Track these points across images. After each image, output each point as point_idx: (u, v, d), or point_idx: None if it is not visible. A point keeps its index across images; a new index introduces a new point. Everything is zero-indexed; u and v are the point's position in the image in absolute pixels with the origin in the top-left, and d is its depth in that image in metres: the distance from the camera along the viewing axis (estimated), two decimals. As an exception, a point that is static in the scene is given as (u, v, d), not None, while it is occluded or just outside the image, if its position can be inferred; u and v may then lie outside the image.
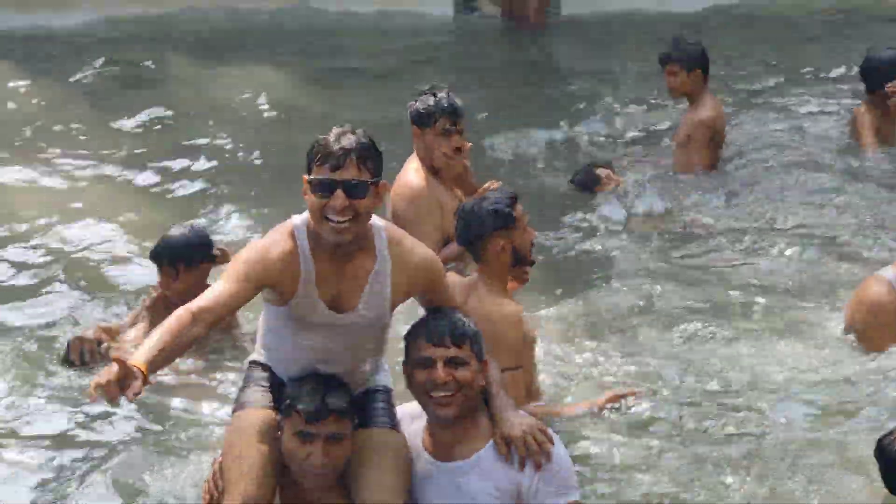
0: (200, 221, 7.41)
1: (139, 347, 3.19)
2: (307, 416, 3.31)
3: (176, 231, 5.61)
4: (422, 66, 10.27)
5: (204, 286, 4.18)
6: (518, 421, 3.49)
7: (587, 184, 8.00)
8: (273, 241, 3.39)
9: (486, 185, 5.43)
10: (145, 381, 2.95)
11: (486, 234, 4.56)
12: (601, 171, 7.99)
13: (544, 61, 11.88)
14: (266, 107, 10.22)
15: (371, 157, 3.31)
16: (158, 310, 5.22)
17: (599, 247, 7.30)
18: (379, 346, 3.61)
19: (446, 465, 3.50)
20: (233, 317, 5.11)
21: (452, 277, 4.33)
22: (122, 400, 2.93)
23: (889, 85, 7.91)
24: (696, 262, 7.08)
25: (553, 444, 3.45)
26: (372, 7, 12.50)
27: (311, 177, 3.27)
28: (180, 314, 3.15)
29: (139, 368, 2.93)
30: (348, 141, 3.27)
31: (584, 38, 12.15)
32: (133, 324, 5.69)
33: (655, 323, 6.17)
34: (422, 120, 5.64)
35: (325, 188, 3.22)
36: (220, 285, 3.32)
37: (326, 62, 11.18)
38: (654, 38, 10.74)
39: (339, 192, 3.20)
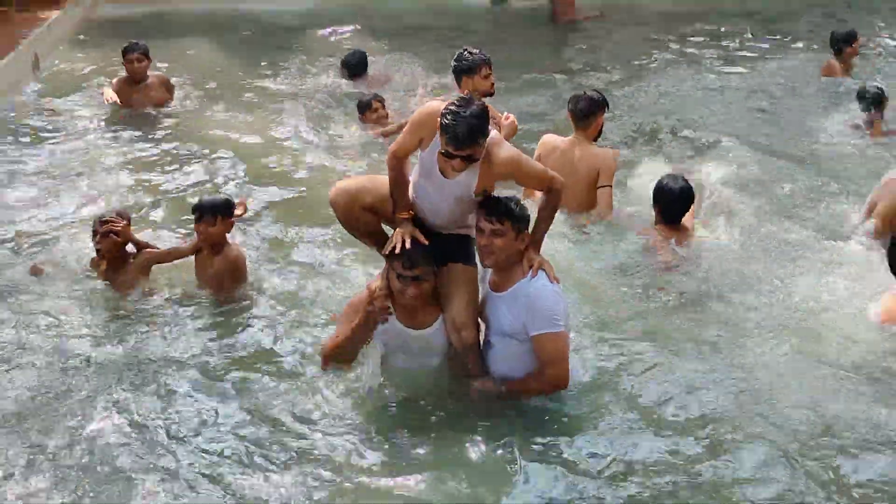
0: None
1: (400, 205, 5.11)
2: (394, 259, 4.93)
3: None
4: (463, 36, 12.01)
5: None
6: (538, 258, 5.11)
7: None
8: (434, 109, 4.90)
9: (505, 115, 7.53)
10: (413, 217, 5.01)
11: (597, 112, 7.13)
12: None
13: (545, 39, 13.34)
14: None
15: (478, 143, 4.86)
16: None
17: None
18: (466, 214, 5.11)
19: (495, 294, 5.13)
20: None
21: (554, 139, 7.35)
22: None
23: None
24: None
25: (550, 272, 5.06)
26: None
27: (443, 150, 4.81)
28: (391, 161, 5.01)
29: (407, 216, 5.03)
30: (463, 129, 4.79)
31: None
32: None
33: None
34: (471, 70, 7.42)
35: (449, 156, 4.77)
36: (401, 137, 5.09)
37: (402, 30, 13.24)
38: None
39: (458, 161, 4.80)
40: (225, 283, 6.60)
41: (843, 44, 10.59)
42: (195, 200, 7.09)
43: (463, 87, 7.46)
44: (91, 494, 4.50)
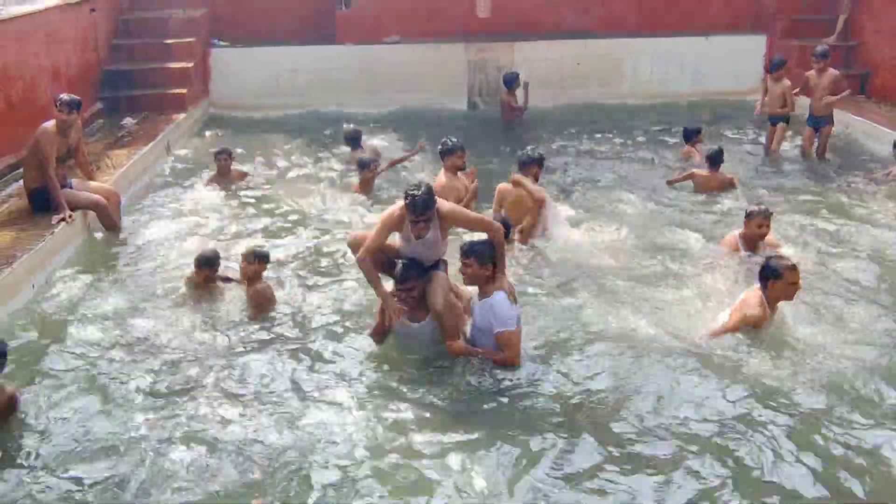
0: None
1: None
2: (396, 281, 6.53)
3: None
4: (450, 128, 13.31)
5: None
6: (501, 279, 6.45)
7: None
8: (394, 211, 6.47)
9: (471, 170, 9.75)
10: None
11: (532, 163, 8.89)
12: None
13: (506, 132, 14.77)
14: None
15: (430, 206, 6.27)
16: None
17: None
18: (440, 251, 6.66)
19: (476, 301, 6.59)
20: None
21: (506, 185, 8.96)
22: None
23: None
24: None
25: (509, 294, 6.42)
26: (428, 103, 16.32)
27: (410, 219, 6.27)
28: (366, 257, 6.41)
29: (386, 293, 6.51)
30: (420, 199, 6.19)
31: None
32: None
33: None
34: (451, 152, 9.29)
35: (414, 223, 6.30)
36: (373, 234, 6.51)
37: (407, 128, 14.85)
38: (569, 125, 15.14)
39: (420, 225, 6.29)
40: (253, 310, 7.56)
41: (693, 135, 12.35)
42: (254, 242, 8.83)
43: (445, 162, 9.30)
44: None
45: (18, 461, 5.51)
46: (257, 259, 7.63)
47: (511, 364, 6.44)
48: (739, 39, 16.82)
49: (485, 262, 6.36)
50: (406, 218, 6.42)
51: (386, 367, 6.71)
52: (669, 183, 11.22)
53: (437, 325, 6.64)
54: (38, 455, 5.58)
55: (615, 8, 16.95)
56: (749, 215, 8.19)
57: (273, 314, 7.59)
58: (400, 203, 6.47)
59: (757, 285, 6.84)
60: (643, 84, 16.75)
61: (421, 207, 6.25)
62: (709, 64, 16.58)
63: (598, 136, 14.44)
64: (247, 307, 7.57)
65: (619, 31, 16.81)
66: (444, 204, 6.63)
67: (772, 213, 8.29)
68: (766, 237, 8.27)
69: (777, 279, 6.61)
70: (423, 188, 6.30)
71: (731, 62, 16.53)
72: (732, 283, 7.96)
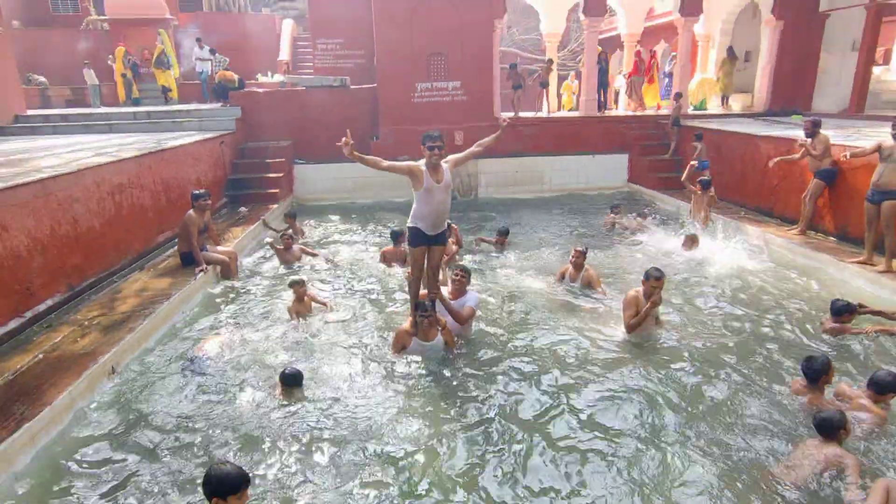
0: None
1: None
2: (420, 312, 5.74)
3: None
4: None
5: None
6: (474, 294, 6.39)
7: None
8: (418, 163, 5.65)
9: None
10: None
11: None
12: None
13: (469, 208, 14.48)
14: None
15: (442, 138, 5.66)
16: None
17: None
18: (448, 206, 5.79)
19: (453, 301, 6.37)
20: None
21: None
22: None
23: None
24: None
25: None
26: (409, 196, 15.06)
27: (424, 145, 5.58)
28: (377, 160, 5.40)
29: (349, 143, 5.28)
30: (434, 132, 5.68)
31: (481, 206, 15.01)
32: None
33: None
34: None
35: (431, 148, 5.60)
36: (399, 161, 5.65)
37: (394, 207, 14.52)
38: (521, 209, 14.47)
39: (437, 150, 5.62)
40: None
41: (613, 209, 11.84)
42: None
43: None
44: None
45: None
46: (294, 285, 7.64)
47: (459, 321, 6.22)
48: (612, 157, 16.62)
49: (469, 277, 6.53)
50: (424, 171, 5.69)
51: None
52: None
53: (443, 340, 6.15)
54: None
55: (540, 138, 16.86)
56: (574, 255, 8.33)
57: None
58: (421, 160, 5.82)
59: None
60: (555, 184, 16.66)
61: (437, 134, 5.60)
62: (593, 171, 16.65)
63: (527, 213, 14.35)
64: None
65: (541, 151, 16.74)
66: (447, 157, 5.99)
67: (585, 252, 8.37)
68: (585, 269, 8.31)
69: (646, 279, 6.48)
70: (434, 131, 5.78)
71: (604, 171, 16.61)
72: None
